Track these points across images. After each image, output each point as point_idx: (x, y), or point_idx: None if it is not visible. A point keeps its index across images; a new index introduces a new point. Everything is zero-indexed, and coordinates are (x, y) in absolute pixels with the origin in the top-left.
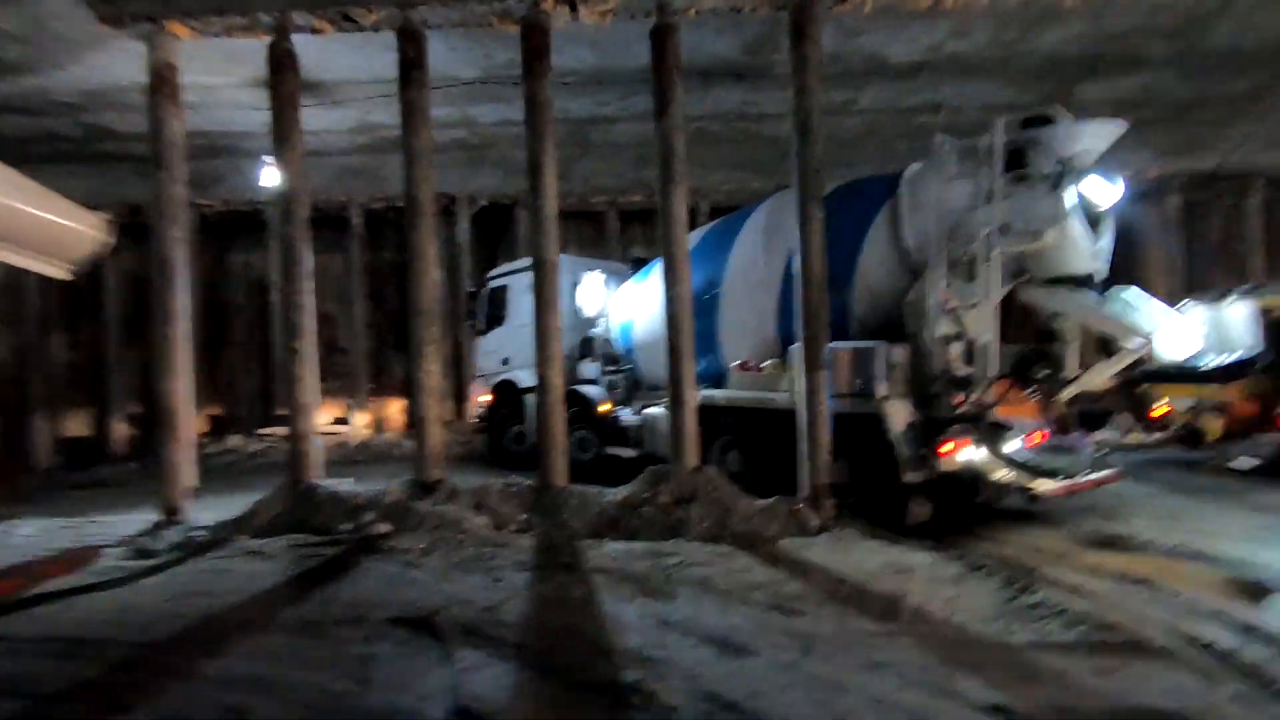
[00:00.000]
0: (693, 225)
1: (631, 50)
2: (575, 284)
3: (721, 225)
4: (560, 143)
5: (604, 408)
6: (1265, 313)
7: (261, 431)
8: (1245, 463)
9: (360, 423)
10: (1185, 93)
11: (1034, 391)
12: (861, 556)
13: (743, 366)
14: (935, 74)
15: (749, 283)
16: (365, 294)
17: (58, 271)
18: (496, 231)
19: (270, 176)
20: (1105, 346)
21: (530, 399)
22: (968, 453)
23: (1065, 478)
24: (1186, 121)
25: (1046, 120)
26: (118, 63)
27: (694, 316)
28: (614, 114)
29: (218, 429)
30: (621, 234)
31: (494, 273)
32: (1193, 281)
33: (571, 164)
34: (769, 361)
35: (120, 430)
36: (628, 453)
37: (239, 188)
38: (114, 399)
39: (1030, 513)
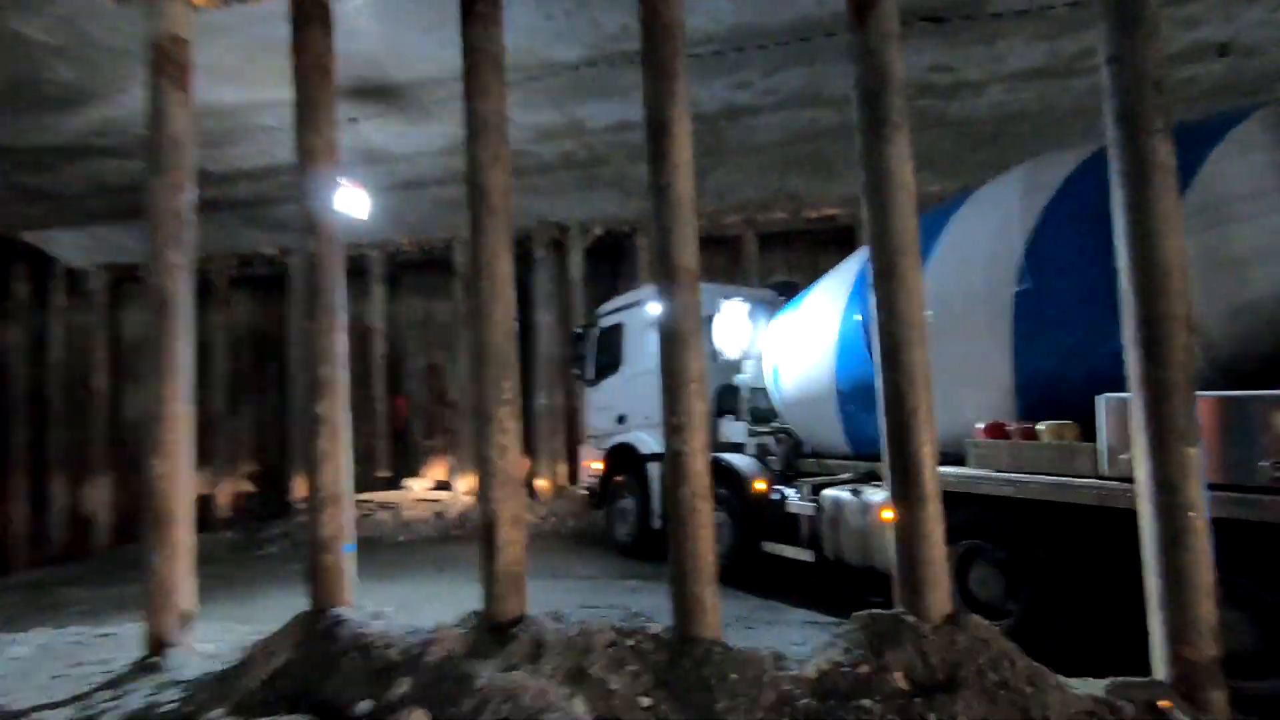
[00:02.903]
0: (852, 243)
1: None
2: (710, 316)
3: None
4: None
5: (759, 485)
6: None
7: (359, 498)
8: None
9: (463, 487)
10: None
11: None
12: None
13: (995, 430)
14: None
15: (964, 303)
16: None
17: None
18: (613, 265)
19: (346, 201)
20: None
21: (654, 468)
22: None
23: None
24: None
25: None
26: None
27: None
28: (755, 102)
29: None
30: (760, 261)
31: (605, 308)
32: None
33: (699, 174)
34: (1047, 425)
35: (224, 494)
36: (799, 554)
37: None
38: (221, 460)
39: None
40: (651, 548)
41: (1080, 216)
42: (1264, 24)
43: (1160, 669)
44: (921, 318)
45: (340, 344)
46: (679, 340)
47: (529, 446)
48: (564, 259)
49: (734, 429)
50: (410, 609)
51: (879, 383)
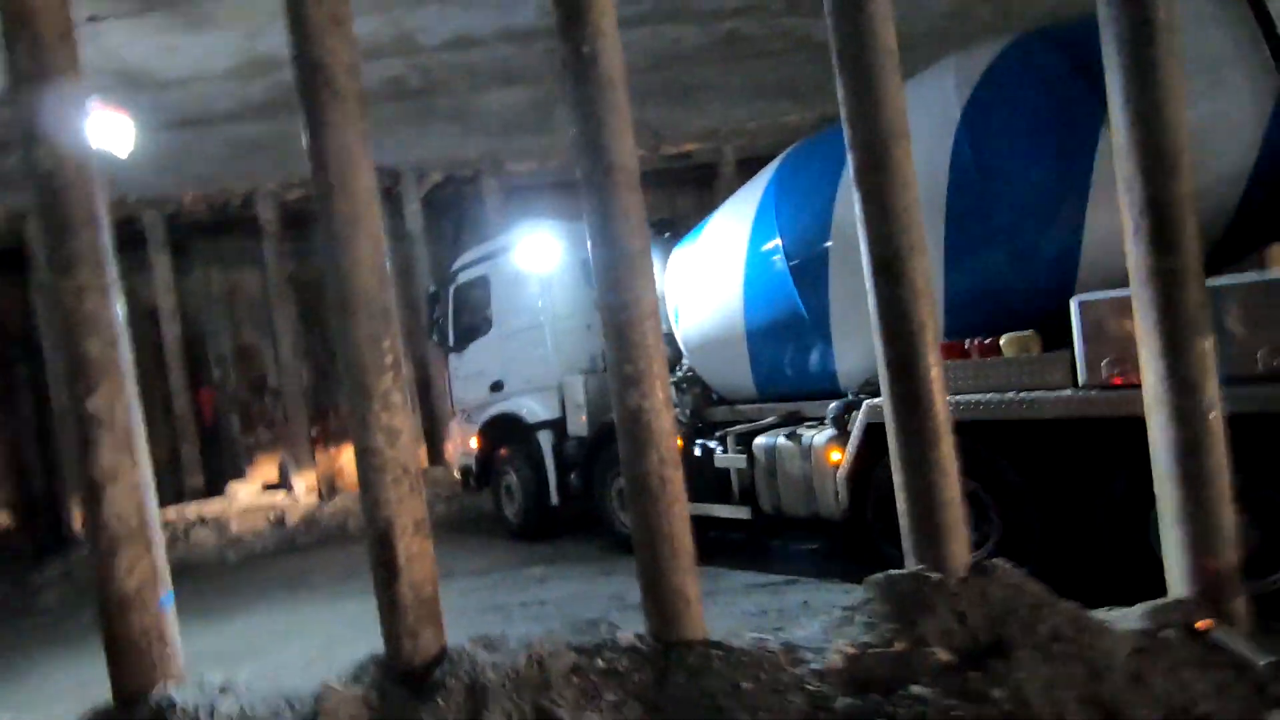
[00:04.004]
0: (711, 182)
1: None
2: (587, 260)
3: (819, 144)
4: (531, 78)
5: (676, 440)
6: None
7: (168, 516)
8: None
9: (303, 485)
10: None
11: None
12: None
13: (953, 350)
14: None
15: None
16: (294, 315)
17: None
18: (456, 215)
19: (102, 130)
20: None
21: (545, 437)
22: None
23: None
24: None
25: None
26: None
27: (785, 291)
28: (617, 12)
29: None
30: None
31: (463, 261)
32: None
33: (549, 111)
34: (1007, 338)
35: None
36: (734, 513)
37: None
38: None
39: None
40: (548, 527)
41: (1013, 103)
42: None
43: (1178, 582)
44: (919, 217)
45: (112, 307)
46: (625, 262)
47: None
48: (399, 210)
49: None
50: (264, 657)
51: (870, 300)
